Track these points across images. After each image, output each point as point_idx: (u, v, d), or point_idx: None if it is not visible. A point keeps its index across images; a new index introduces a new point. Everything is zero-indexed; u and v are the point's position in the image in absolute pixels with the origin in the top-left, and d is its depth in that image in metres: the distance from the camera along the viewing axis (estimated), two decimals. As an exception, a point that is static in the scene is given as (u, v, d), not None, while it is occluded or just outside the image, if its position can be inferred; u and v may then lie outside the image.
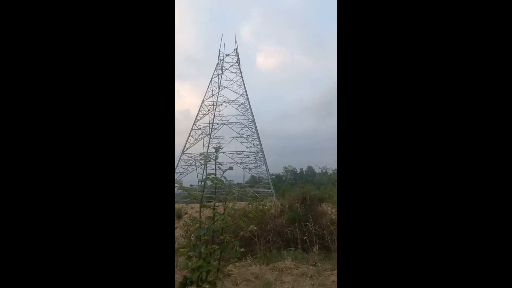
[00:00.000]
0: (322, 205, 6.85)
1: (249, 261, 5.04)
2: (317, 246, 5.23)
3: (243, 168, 37.24)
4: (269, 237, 5.41)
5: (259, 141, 36.73)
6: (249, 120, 38.01)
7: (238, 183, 40.76)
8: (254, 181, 40.18)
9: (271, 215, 6.37)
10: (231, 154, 36.36)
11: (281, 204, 6.60)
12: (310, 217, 5.82)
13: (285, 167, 56.67)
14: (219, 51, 41.97)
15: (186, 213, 12.67)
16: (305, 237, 5.05)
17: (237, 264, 5.11)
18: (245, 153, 36.28)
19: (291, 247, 5.17)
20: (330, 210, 7.01)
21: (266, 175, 36.61)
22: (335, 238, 5.78)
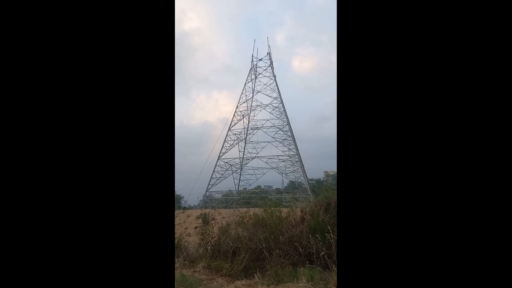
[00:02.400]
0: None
1: (257, 279, 4.23)
2: (342, 263, 4.22)
3: (280, 173, 36.29)
4: (280, 250, 4.54)
5: (295, 144, 35.49)
6: (284, 123, 37.07)
7: (276, 189, 39.93)
8: (294, 186, 38.96)
9: (289, 224, 5.48)
10: (266, 159, 35.70)
11: (301, 211, 5.67)
12: (334, 226, 4.81)
13: (326, 172, 54.19)
14: (252, 56, 42.10)
15: (213, 219, 12.27)
16: (323, 252, 4.08)
17: (243, 282, 4.35)
18: (280, 157, 35.30)
19: (307, 263, 4.24)
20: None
21: (305, 180, 35.14)
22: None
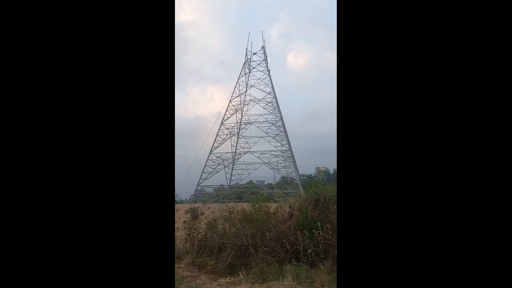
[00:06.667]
0: (341, 208, 5.64)
1: (241, 277, 4.07)
2: (330, 261, 4.10)
3: (272, 168, 36.22)
4: (267, 247, 4.39)
5: (287, 140, 35.41)
6: (277, 118, 36.88)
7: (268, 184, 39.90)
8: (286, 182, 38.99)
9: (276, 220, 5.34)
10: (258, 154, 35.55)
11: (290, 207, 5.53)
12: (323, 223, 4.69)
13: (317, 168, 54.59)
14: (246, 49, 41.55)
15: (202, 214, 12.07)
16: (310, 250, 3.94)
17: (227, 279, 4.19)
18: (272, 152, 35.19)
19: (294, 260, 4.11)
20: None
21: (296, 176, 35.20)
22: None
